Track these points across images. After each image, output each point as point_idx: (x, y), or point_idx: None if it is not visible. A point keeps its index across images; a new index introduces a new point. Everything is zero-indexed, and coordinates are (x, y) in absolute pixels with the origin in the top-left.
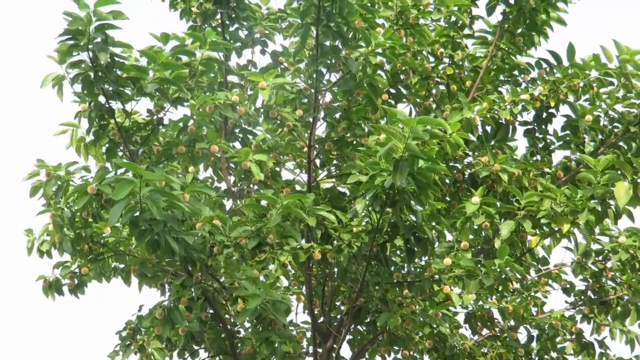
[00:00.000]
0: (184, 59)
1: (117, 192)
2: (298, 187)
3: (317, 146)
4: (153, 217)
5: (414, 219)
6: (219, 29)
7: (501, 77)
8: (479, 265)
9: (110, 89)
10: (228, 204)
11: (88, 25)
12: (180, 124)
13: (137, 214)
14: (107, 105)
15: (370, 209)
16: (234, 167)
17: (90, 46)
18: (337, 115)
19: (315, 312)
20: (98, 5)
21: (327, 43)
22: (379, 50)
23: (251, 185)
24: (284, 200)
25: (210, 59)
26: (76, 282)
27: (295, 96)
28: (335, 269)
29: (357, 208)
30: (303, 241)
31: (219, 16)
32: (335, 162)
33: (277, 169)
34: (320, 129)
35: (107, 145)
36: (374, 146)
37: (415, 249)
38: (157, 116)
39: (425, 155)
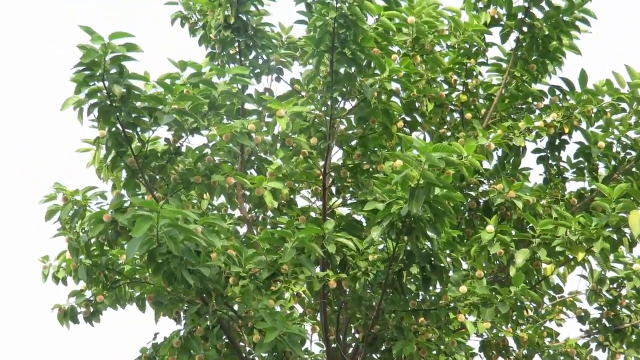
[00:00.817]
0: (200, 85)
1: (136, 229)
2: (313, 214)
3: (332, 173)
4: (169, 251)
5: (430, 246)
6: (237, 56)
7: (515, 105)
8: (495, 293)
9: (126, 119)
10: (243, 230)
11: (103, 56)
12: (197, 152)
13: (154, 246)
14: (123, 134)
15: (386, 236)
16: (248, 194)
17: (105, 77)
18: (353, 143)
19: (330, 339)
20: (112, 38)
21: (342, 70)
22: (394, 77)
23: (267, 213)
24: (299, 234)
25: (230, 92)
26: (91, 310)
27: (310, 124)
28: (350, 297)
29: (373, 236)
30: (318, 269)
31: (237, 43)
32: (350, 189)
33: (292, 196)
34: (336, 157)
35: (124, 172)
36: (390, 173)
37: (431, 277)
38: (174, 145)
39: (441, 183)
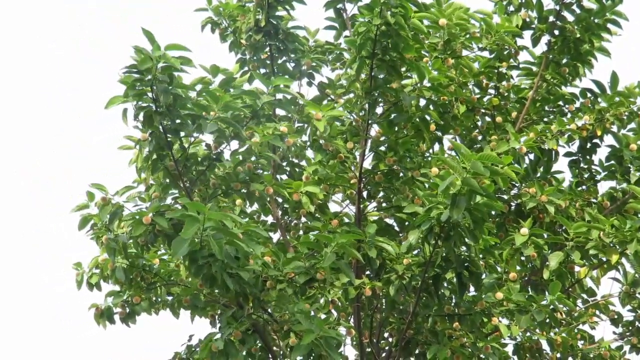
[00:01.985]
0: (241, 95)
1: (186, 230)
2: (346, 220)
3: (364, 178)
4: (211, 254)
5: (467, 252)
6: (268, 61)
7: (546, 108)
8: (530, 300)
9: (170, 125)
10: (275, 236)
11: (156, 64)
12: (239, 157)
13: (197, 248)
14: (165, 138)
15: (424, 240)
16: (282, 200)
17: (154, 84)
18: (383, 148)
19: (364, 343)
20: (168, 48)
21: (381, 76)
22: (429, 84)
23: (300, 218)
24: (339, 239)
25: (274, 103)
26: (127, 310)
27: (347, 128)
28: (384, 301)
29: (411, 239)
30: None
31: (267, 48)
32: (383, 193)
33: (325, 200)
34: (366, 161)
35: (165, 177)
36: (435, 177)
37: (467, 283)
38: (214, 152)
39: (483, 191)
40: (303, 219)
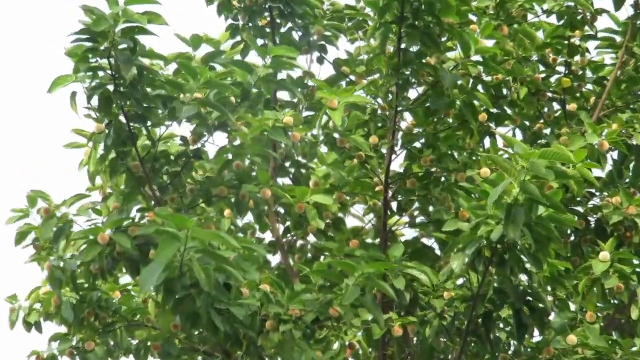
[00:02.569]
0: (217, 67)
1: (161, 251)
2: (369, 240)
3: (392, 184)
4: (194, 283)
5: (527, 282)
6: (267, 29)
7: (635, 91)
8: (614, 345)
9: (134, 110)
10: (273, 259)
11: (114, 26)
12: (227, 155)
13: (175, 276)
14: (128, 129)
15: (470, 268)
16: (284, 212)
17: (113, 54)
18: (418, 144)
19: None
20: (129, 3)
21: (413, 49)
22: (478, 57)
23: (307, 236)
24: (364, 269)
25: (272, 79)
26: None
27: (370, 118)
28: (419, 347)
29: (453, 266)
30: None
31: (267, 12)
32: (417, 204)
33: (341, 213)
34: (397, 162)
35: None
36: (483, 183)
37: (528, 322)
38: (192, 147)
39: (547, 201)
40: (311, 237)
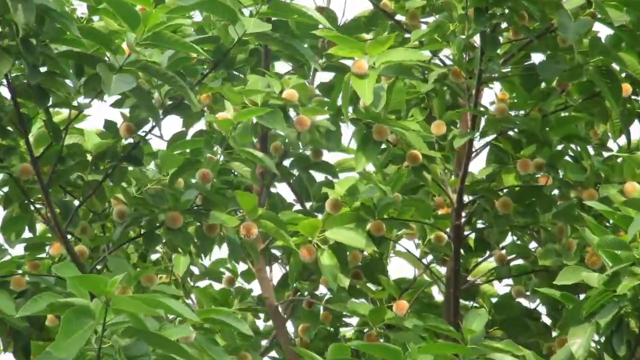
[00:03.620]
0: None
1: (63, 337)
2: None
3: (469, 200)
4: None
5: None
6: None
7: None
8: None
9: (28, 80)
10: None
11: None
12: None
13: None
14: (16, 111)
15: (602, 349)
16: (281, 254)
17: None
18: (512, 133)
19: None
20: None
21: None
22: None
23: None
24: (419, 355)
25: (268, 36)
26: None
27: (433, 91)
28: None
29: (572, 348)
30: None
31: None
32: (511, 239)
33: (381, 254)
34: (476, 165)
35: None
36: (622, 206)
37: None
38: (125, 141)
39: None
40: (324, 290)
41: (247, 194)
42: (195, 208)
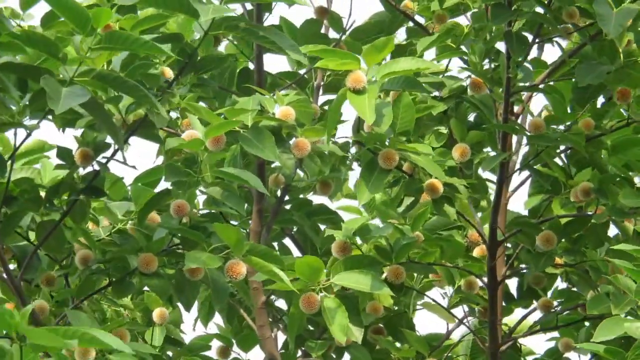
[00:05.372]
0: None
1: None
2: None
3: (506, 244)
4: None
5: None
6: None
7: None
8: None
9: None
10: None
11: None
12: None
13: None
14: None
15: None
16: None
17: None
18: (558, 159)
19: None
20: None
21: None
22: None
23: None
24: None
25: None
26: None
27: (453, 109)
28: None
29: None
30: None
31: None
32: (562, 283)
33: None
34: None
35: None
36: None
37: None
38: (82, 170)
39: None
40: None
41: (227, 225)
42: (172, 248)
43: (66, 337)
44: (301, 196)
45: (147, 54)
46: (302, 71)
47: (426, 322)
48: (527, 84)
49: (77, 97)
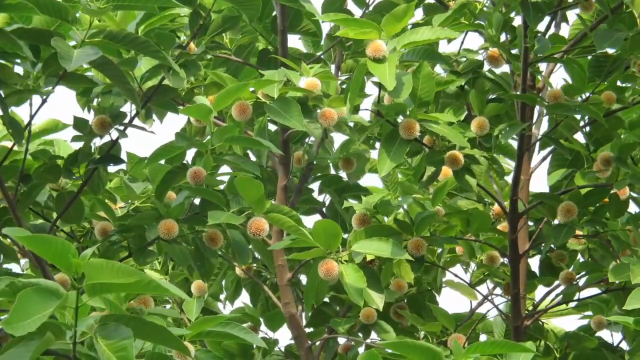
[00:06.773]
0: None
1: (16, 318)
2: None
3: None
4: None
5: None
6: None
7: None
8: None
9: None
10: None
11: None
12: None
13: None
14: None
15: None
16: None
17: None
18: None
19: None
20: None
21: None
22: None
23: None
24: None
25: None
26: None
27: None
28: None
29: None
30: None
31: None
32: (584, 257)
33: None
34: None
35: None
36: None
37: None
38: (100, 140)
39: None
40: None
41: (250, 179)
42: (192, 215)
43: (129, 275)
44: (333, 172)
45: (159, 5)
46: (320, 53)
47: (448, 303)
48: (543, 55)
49: (88, 56)
